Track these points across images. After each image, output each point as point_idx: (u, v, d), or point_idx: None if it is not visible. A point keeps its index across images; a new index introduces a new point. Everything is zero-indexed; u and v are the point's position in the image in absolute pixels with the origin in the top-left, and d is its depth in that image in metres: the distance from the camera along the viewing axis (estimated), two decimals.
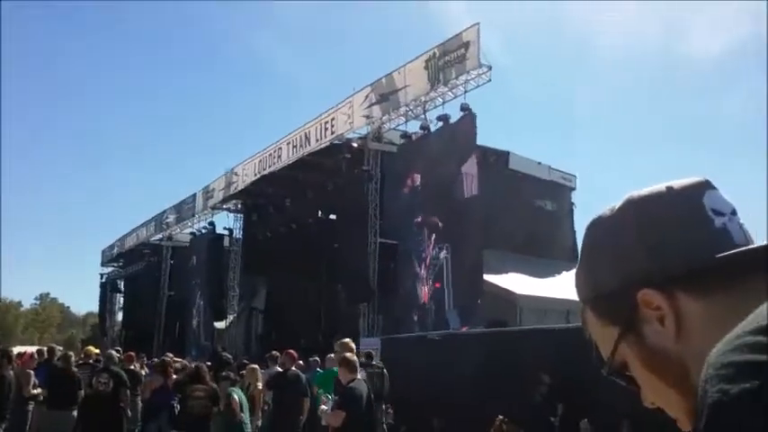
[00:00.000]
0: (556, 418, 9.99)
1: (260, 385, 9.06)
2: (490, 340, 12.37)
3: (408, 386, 11.96)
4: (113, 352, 10.74)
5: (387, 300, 17.74)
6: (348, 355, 6.53)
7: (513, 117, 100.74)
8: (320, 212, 24.68)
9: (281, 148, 22.99)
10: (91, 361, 11.12)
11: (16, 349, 11.94)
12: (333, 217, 23.67)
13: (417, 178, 17.09)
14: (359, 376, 6.31)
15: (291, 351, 10.09)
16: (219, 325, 26.72)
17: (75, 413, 9.13)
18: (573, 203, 24.33)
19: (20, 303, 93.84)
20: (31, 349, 12.26)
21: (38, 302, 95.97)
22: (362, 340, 16.23)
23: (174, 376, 10.07)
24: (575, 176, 24.45)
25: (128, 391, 9.74)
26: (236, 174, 26.11)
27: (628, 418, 9.14)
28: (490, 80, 15.87)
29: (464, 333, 12.79)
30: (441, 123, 16.96)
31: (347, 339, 7.97)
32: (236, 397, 7.92)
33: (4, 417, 7.94)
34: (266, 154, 23.99)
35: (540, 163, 23.18)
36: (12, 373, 8.32)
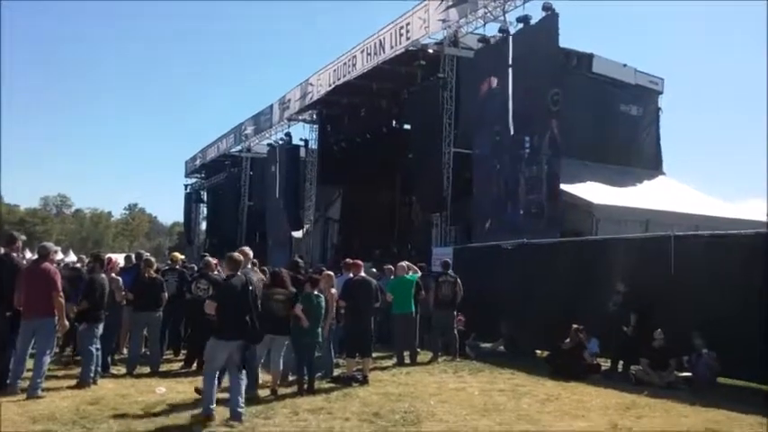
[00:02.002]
0: (629, 327, 9.92)
1: (333, 291, 9.35)
2: (563, 249, 12.22)
3: (480, 294, 12.09)
4: (210, 259, 11.24)
5: (460, 210, 17.68)
6: (233, 254, 7.46)
7: (599, 16, 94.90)
8: (395, 122, 24.48)
9: (355, 57, 22.66)
10: (177, 267, 11.71)
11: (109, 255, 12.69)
12: (407, 126, 23.44)
13: (494, 81, 16.50)
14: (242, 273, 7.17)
15: (359, 261, 10.31)
16: (297, 234, 27.52)
17: (159, 314, 9.77)
18: (660, 108, 23.07)
19: (110, 214, 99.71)
20: (118, 256, 13.01)
21: (127, 212, 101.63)
22: (435, 249, 16.40)
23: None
24: (662, 79, 23.05)
25: None
26: (311, 84, 26.06)
27: (699, 329, 8.99)
28: None
29: (536, 242, 12.64)
30: (521, 25, 16.16)
31: (245, 247, 8.87)
32: (299, 306, 8.21)
33: (100, 318, 8.53)
34: (340, 63, 23.72)
35: (625, 65, 21.90)
36: (104, 276, 8.88)
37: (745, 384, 8.85)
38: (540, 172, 14.95)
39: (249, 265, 8.85)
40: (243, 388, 6.82)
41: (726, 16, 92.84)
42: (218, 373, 6.91)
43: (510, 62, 16.05)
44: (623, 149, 21.04)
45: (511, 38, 16.24)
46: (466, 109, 17.82)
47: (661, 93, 23.04)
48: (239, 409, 6.63)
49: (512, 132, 15.77)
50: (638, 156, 21.81)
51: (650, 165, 22.23)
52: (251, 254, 8.95)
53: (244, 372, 6.91)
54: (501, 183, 16.17)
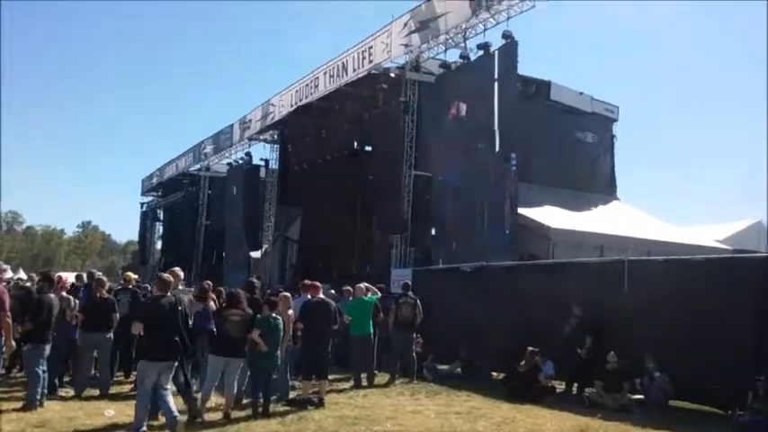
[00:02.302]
0: (584, 350, 10.06)
1: (290, 312, 9.26)
2: (520, 272, 12.36)
3: (438, 316, 12.12)
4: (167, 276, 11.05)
5: (420, 232, 17.77)
6: (163, 275, 7.71)
7: (557, 46, 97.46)
8: (356, 144, 24.56)
9: (317, 78, 22.73)
10: (130, 286, 11.45)
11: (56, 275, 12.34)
12: (368, 149, 23.55)
13: (460, 107, 16.69)
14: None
15: (317, 282, 10.24)
16: (255, 254, 27.25)
17: (110, 335, 9.51)
18: (614, 136, 23.73)
19: (63, 231, 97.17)
20: (69, 274, 12.67)
21: (80, 230, 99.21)
22: (394, 271, 16.41)
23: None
24: (617, 107, 23.74)
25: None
26: (272, 104, 26.02)
27: (652, 352, 9.17)
28: (534, 6, 15.24)
29: (495, 265, 12.78)
30: (481, 52, 16.47)
31: (175, 268, 8.97)
32: (256, 331, 8.10)
33: (47, 338, 8.27)
34: (303, 84, 23.76)
35: (582, 93, 22.51)
36: (53, 296, 8.62)
37: (697, 407, 9.02)
38: (501, 196, 15.12)
39: (180, 286, 8.87)
40: (172, 400, 6.99)
41: (675, 48, 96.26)
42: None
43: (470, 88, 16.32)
44: (579, 175, 21.51)
45: (471, 64, 16.52)
46: (427, 132, 18.00)
47: (616, 120, 23.70)
48: (174, 416, 6.79)
49: (475, 157, 15.95)
50: (593, 181, 22.32)
51: (605, 190, 22.77)
52: (182, 275, 8.95)
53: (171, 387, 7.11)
54: (463, 206, 16.29)
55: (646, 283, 9.73)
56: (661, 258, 10.55)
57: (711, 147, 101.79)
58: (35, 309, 8.26)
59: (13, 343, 7.71)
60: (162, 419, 7.09)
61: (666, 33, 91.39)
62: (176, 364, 7.14)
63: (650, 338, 9.39)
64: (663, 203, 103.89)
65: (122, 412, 7.99)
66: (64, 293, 9.31)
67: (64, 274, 11.26)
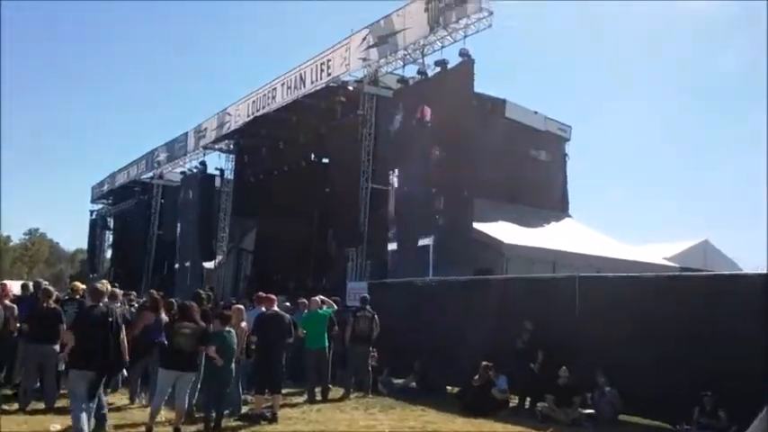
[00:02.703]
0: (536, 364, 10.20)
1: (243, 324, 9.14)
2: (475, 287, 12.49)
3: (393, 330, 12.12)
4: (117, 290, 10.82)
5: (376, 244, 17.80)
6: (97, 284, 8.02)
7: (512, 65, 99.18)
8: (313, 156, 24.49)
9: (275, 89, 22.64)
10: (77, 296, 11.13)
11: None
12: (325, 161, 23.52)
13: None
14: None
15: (271, 295, 10.15)
16: (208, 265, 26.82)
17: (56, 347, 9.20)
18: (567, 154, 24.28)
19: (9, 238, 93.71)
20: (13, 283, 12.24)
21: (27, 237, 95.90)
22: (350, 284, 16.39)
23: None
24: (570, 127, 24.30)
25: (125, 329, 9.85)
26: (228, 114, 25.77)
27: (602, 367, 9.38)
28: (491, 25, 15.50)
29: (450, 280, 12.89)
30: (438, 69, 16.69)
31: (103, 280, 9.62)
32: (212, 347, 8.00)
33: None
34: (260, 94, 23.63)
35: (536, 112, 22.99)
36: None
37: (645, 421, 9.24)
38: (457, 210, 15.27)
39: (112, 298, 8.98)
40: (105, 408, 7.46)
41: (630, 69, 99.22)
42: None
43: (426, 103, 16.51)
44: (533, 192, 21.90)
45: (428, 80, 16.71)
46: (383, 146, 18.09)
47: (569, 140, 24.25)
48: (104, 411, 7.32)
49: (430, 170, 16.08)
50: (546, 198, 22.75)
51: (558, 207, 23.24)
52: (109, 286, 9.00)
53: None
54: (417, 219, 16.39)
55: (596, 299, 9.95)
56: (611, 275, 10.81)
57: (661, 167, 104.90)
58: None
59: None
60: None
61: (621, 51, 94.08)
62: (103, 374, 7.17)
63: (600, 354, 9.60)
64: (613, 222, 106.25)
65: (69, 427, 7.75)
66: (7, 302, 9.00)
67: (8, 282, 10.88)
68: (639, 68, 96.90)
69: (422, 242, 16.00)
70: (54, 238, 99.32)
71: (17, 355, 9.61)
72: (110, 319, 7.13)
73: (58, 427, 7.75)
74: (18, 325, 9.04)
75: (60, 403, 9.26)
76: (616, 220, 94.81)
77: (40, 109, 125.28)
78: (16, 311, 9.12)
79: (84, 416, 6.86)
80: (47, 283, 10.66)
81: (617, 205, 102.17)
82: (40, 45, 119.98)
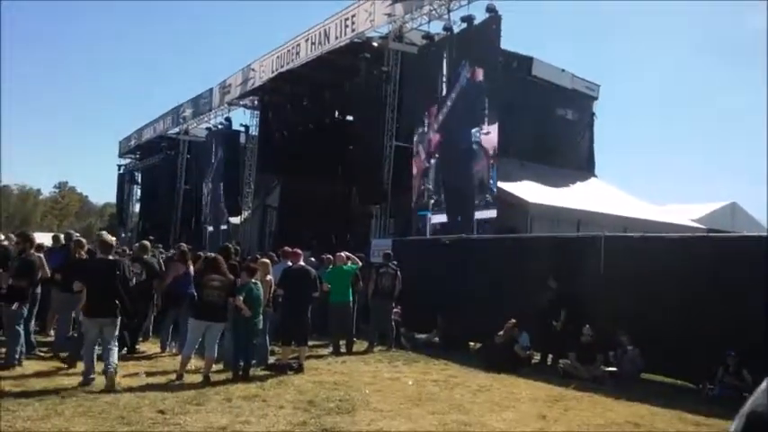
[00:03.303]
0: (559, 322, 10.27)
1: (268, 278, 9.30)
2: (499, 245, 12.51)
3: (416, 286, 12.25)
4: (146, 242, 11.04)
5: (400, 202, 17.83)
6: (105, 238, 8.41)
7: (540, 21, 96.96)
8: (337, 113, 24.40)
9: (299, 45, 22.44)
10: None
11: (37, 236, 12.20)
12: (350, 118, 23.42)
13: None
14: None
15: (297, 250, 10.29)
16: (234, 220, 27.12)
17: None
18: (594, 114, 23.85)
19: (39, 191, 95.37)
20: (43, 235, 12.55)
21: (57, 191, 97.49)
22: (374, 241, 16.47)
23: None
24: (598, 86, 23.81)
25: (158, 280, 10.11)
26: (253, 69, 25.64)
27: (625, 326, 9.41)
28: None
29: (474, 237, 12.92)
30: (464, 24, 16.39)
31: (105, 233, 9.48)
32: (239, 297, 8.17)
33: (27, 298, 8.26)
34: (284, 50, 23.44)
35: (563, 70, 22.51)
36: (36, 256, 8.57)
37: (667, 380, 9.30)
38: (483, 169, 15.16)
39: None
40: (115, 354, 7.49)
41: (658, 28, 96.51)
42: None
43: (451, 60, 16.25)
44: (558, 152, 21.63)
45: (453, 36, 16.41)
46: (408, 103, 17.94)
47: (596, 98, 23.78)
48: (110, 368, 7.25)
49: (461, 128, 15.91)
50: (572, 158, 22.47)
51: (583, 167, 22.95)
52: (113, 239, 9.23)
53: (115, 343, 7.65)
54: (441, 176, 16.33)
55: (621, 259, 9.92)
56: (637, 235, 10.75)
57: (689, 127, 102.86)
58: (25, 269, 8.24)
59: None
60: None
61: (652, 9, 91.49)
62: (117, 321, 7.62)
63: (624, 312, 9.62)
64: (640, 182, 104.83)
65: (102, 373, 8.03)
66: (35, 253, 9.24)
67: (41, 235, 11.17)
68: (669, 27, 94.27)
69: (448, 198, 15.96)
70: (83, 191, 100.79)
71: (51, 305, 9.90)
72: (117, 272, 7.63)
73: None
74: (50, 274, 9.26)
75: None
76: (642, 181, 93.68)
77: (67, 65, 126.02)
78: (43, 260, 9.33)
79: (94, 360, 7.45)
80: (78, 234, 10.90)
81: (644, 165, 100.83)
82: (65, 2, 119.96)
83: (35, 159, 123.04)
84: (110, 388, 7.10)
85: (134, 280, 9.89)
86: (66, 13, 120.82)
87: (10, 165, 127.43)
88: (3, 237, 10.83)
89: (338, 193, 23.57)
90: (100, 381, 7.48)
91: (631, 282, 9.60)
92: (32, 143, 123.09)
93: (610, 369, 9.40)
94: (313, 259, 12.95)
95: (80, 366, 7.83)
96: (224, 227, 26.90)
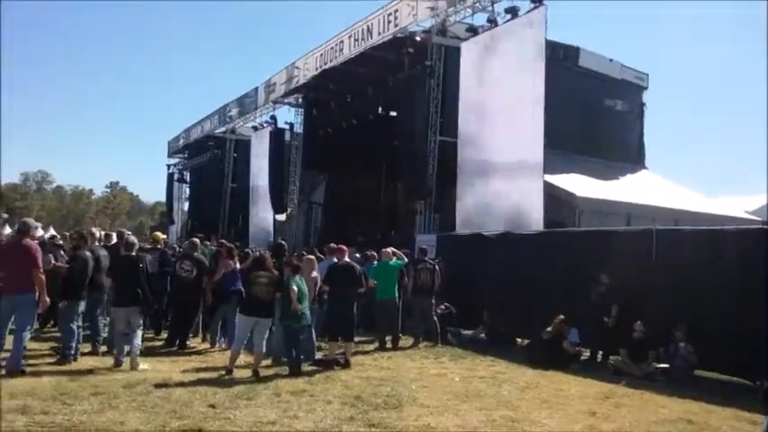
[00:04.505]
0: (610, 318, 10.06)
1: (314, 274, 9.36)
2: (547, 240, 12.31)
3: (462, 282, 12.17)
4: (196, 239, 11.25)
5: (445, 198, 17.71)
6: (130, 237, 9.30)
7: (587, 10, 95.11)
8: (381, 109, 24.39)
9: (342, 42, 22.50)
10: (158, 246, 11.65)
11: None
12: (393, 114, 23.38)
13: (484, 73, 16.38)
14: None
15: (343, 246, 10.33)
16: (280, 217, 27.40)
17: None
18: (644, 104, 23.25)
19: (91, 191, 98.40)
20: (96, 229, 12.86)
21: (109, 190, 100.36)
22: (419, 237, 16.43)
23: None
24: (647, 75, 23.21)
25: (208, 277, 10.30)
26: (297, 68, 25.84)
27: (678, 322, 9.13)
28: None
29: (520, 232, 12.74)
30: (509, 16, 16.15)
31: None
32: (294, 287, 8.25)
33: (81, 295, 8.50)
34: (328, 47, 23.54)
35: (611, 60, 22.02)
36: (89, 253, 8.81)
37: (721, 377, 9.02)
38: (529, 162, 14.90)
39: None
40: (139, 338, 8.48)
41: (710, 16, 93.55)
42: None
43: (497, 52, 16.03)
44: (607, 143, 21.17)
45: (498, 28, 16.19)
46: (452, 97, 17.78)
47: (646, 88, 23.19)
48: (135, 351, 8.28)
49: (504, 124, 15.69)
50: (621, 150, 21.96)
51: (633, 159, 22.42)
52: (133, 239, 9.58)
53: (139, 328, 8.52)
54: (489, 169, 16.11)
55: (674, 253, 9.66)
56: (690, 228, 10.44)
57: (743, 117, 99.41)
58: (72, 265, 8.50)
59: (47, 299, 7.91)
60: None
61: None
62: (140, 309, 8.48)
63: (677, 308, 9.36)
64: (692, 174, 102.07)
65: (154, 368, 8.23)
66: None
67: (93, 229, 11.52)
68: (720, 14, 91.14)
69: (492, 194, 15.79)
70: (134, 190, 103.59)
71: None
72: (141, 266, 8.50)
73: (146, 366, 8.23)
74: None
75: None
76: (695, 172, 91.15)
77: (117, 69, 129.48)
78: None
79: (123, 346, 8.32)
80: (129, 233, 11.16)
81: (696, 156, 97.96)
82: (115, 8, 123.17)
83: (88, 160, 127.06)
84: (134, 367, 8.06)
85: (185, 276, 10.13)
86: (113, 18, 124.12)
87: (64, 166, 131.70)
88: (58, 236, 11.16)
89: (383, 188, 23.61)
90: (152, 375, 7.69)
91: (684, 276, 9.33)
92: (85, 144, 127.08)
93: (662, 366, 9.16)
94: (358, 255, 13.00)
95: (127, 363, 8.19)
96: (270, 224, 27.20)
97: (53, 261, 9.02)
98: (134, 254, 8.71)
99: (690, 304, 9.17)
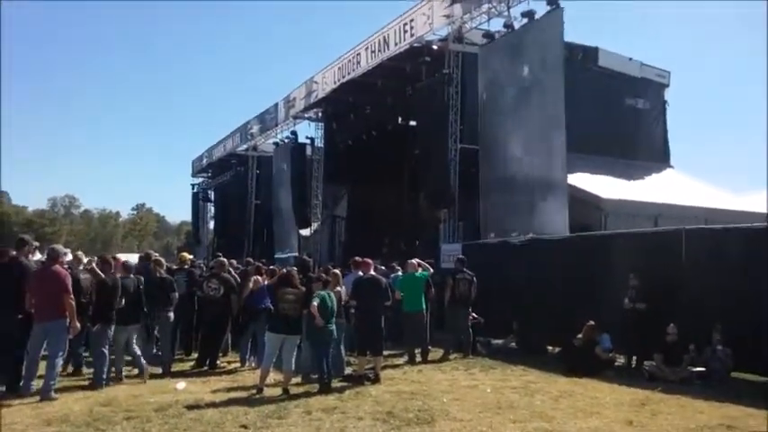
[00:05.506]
0: (642, 322, 9.85)
1: (339, 288, 9.34)
2: (574, 244, 12.15)
3: (488, 290, 12.05)
4: (224, 259, 11.31)
5: (468, 206, 17.62)
6: (127, 261, 9.94)
7: (603, 10, 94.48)
8: (400, 119, 24.40)
9: (359, 54, 22.57)
10: (186, 266, 11.73)
11: (120, 256, 12.73)
12: (413, 123, 23.36)
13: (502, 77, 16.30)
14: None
15: (368, 259, 10.29)
16: (304, 232, 27.51)
17: (170, 314, 9.75)
18: (666, 101, 22.96)
19: (118, 214, 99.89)
20: (129, 255, 13.06)
21: (135, 212, 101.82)
22: (444, 246, 16.35)
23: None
24: (668, 73, 22.93)
25: (235, 296, 10.35)
26: (315, 82, 25.97)
27: (713, 324, 8.92)
28: None
29: (546, 238, 12.60)
30: (525, 20, 16.07)
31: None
32: (314, 303, 8.23)
33: (111, 318, 8.58)
34: (345, 60, 23.63)
35: (631, 59, 21.81)
36: (117, 277, 8.91)
37: (758, 379, 8.79)
38: (551, 166, 14.78)
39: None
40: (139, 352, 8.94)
41: (731, 11, 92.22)
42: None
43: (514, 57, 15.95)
44: (630, 143, 20.94)
45: (515, 33, 16.11)
46: (471, 104, 17.72)
47: (667, 86, 22.92)
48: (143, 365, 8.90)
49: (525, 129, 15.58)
50: (645, 149, 21.69)
51: (658, 158, 22.13)
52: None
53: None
54: (511, 175, 15.99)
55: (705, 253, 9.49)
56: (720, 227, 10.23)
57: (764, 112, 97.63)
58: (100, 290, 8.59)
59: (78, 324, 7.99)
60: None
61: None
62: (138, 326, 9.01)
63: (710, 310, 9.16)
64: (718, 171, 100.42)
65: (185, 389, 8.26)
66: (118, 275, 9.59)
67: (123, 256, 11.62)
68: (745, 11, 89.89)
69: (517, 199, 15.67)
70: (160, 211, 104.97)
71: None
72: (140, 287, 9.04)
73: (184, 384, 8.28)
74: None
75: (176, 367, 9.88)
76: (722, 170, 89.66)
77: (140, 92, 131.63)
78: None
79: (123, 361, 8.86)
80: (157, 254, 11.26)
81: (722, 153, 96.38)
82: (139, 24, 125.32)
83: (114, 184, 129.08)
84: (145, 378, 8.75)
85: (212, 295, 10.20)
86: (134, 41, 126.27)
87: (90, 190, 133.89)
88: (86, 259, 11.29)
89: (405, 198, 23.55)
90: (183, 396, 7.71)
91: (716, 276, 9.14)
92: (110, 167, 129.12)
93: (697, 369, 8.96)
94: (383, 267, 12.95)
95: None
96: (294, 240, 27.31)
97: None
98: (132, 276, 9.11)
99: (722, 305, 8.97)
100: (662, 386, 8.38)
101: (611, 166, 18.57)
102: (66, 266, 8.78)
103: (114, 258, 10.15)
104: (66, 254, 10.17)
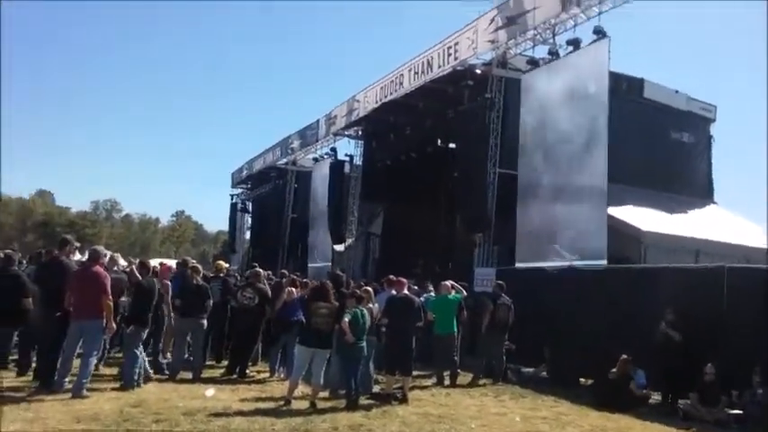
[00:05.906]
0: (679, 360, 9.60)
1: (371, 305, 9.34)
2: (611, 276, 11.95)
3: (521, 317, 11.90)
4: (260, 270, 11.43)
5: (504, 230, 17.49)
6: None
7: (650, 41, 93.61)
8: (440, 141, 24.40)
9: (402, 75, 22.72)
10: (221, 275, 11.87)
11: (156, 261, 12.95)
12: (452, 146, 23.35)
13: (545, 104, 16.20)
14: None
15: (402, 279, 10.27)
16: (339, 248, 27.58)
17: (204, 321, 9.87)
18: (712, 136, 22.54)
19: (158, 220, 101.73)
20: (170, 262, 13.26)
21: (174, 219, 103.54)
22: (477, 270, 16.23)
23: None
24: (715, 107, 22.53)
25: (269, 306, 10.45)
26: (357, 101, 26.20)
27: (753, 365, 8.65)
28: (628, 1, 14.64)
29: (583, 268, 12.42)
30: (570, 48, 15.99)
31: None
32: (345, 319, 8.24)
33: (146, 322, 8.72)
34: (388, 81, 23.81)
35: (677, 92, 21.50)
36: (154, 281, 9.07)
37: None
38: (591, 195, 14.58)
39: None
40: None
41: None
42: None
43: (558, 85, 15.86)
44: (673, 177, 20.55)
45: (559, 61, 16.05)
46: (512, 130, 17.65)
47: (714, 120, 22.52)
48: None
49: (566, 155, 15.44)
50: (688, 184, 21.27)
51: (701, 193, 21.67)
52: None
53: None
54: (550, 202, 15.84)
55: (745, 292, 9.24)
56: (764, 267, 9.97)
57: None
58: (137, 293, 8.74)
59: (114, 325, 8.15)
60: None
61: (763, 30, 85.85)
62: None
63: (750, 351, 8.90)
64: (762, 209, 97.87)
65: (214, 396, 8.33)
66: (165, 281, 9.75)
67: (167, 262, 11.83)
68: None
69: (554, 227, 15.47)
70: (198, 219, 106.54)
71: (164, 329, 10.36)
72: (156, 291, 8.96)
73: (212, 391, 8.35)
74: (171, 301, 9.74)
75: (206, 374, 9.98)
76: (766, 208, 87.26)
77: (186, 105, 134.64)
78: (170, 287, 9.83)
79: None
80: (194, 261, 11.43)
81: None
82: (184, 36, 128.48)
83: (155, 190, 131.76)
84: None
85: (246, 304, 10.30)
86: (180, 53, 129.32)
87: (132, 195, 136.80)
88: (125, 262, 11.52)
89: (441, 220, 23.49)
90: (212, 403, 7.76)
91: (757, 316, 8.89)
92: (152, 174, 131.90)
93: (735, 412, 8.69)
94: (416, 287, 12.91)
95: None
96: (329, 254, 27.40)
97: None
98: (153, 279, 9.24)
99: (763, 345, 8.70)
100: (697, 426, 8.17)
101: (654, 199, 18.24)
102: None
103: (161, 264, 10.35)
104: (106, 255, 10.41)
